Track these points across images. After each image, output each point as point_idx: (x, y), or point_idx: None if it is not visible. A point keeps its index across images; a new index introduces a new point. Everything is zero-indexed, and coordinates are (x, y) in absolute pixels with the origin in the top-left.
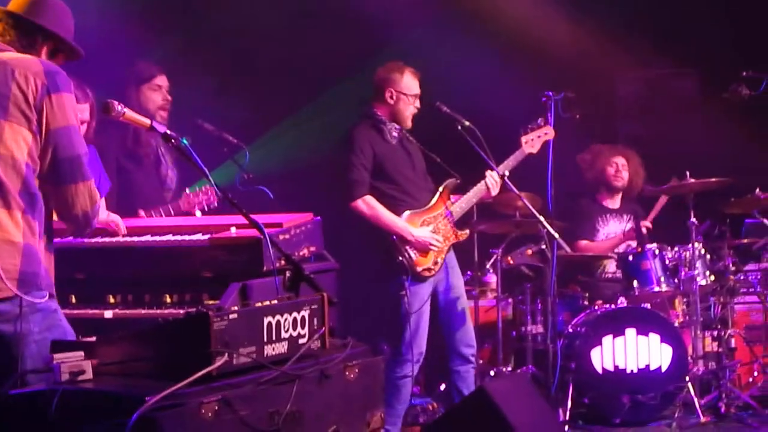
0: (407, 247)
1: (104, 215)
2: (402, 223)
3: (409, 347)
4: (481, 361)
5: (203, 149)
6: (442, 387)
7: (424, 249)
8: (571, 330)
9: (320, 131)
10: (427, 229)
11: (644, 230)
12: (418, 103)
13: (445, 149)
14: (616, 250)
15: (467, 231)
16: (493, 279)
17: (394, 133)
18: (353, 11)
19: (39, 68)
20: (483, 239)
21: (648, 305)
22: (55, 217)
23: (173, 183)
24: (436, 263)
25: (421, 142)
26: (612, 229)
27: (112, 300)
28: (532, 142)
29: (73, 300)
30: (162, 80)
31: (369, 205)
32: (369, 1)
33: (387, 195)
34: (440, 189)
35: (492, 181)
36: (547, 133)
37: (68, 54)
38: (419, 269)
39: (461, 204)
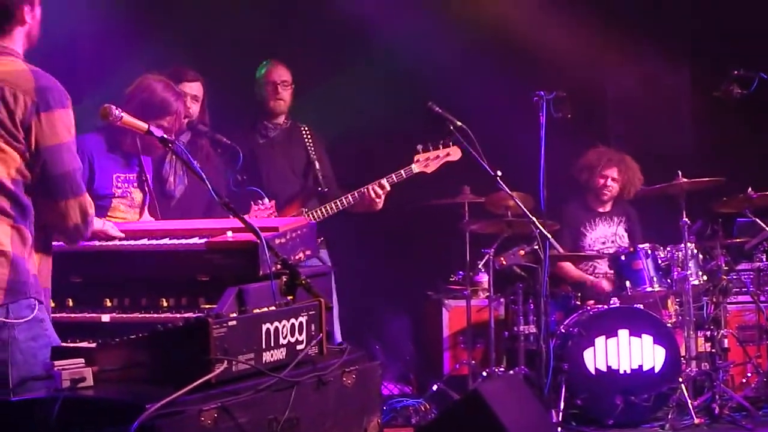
0: None
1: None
2: None
3: None
4: (473, 362)
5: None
6: (434, 387)
7: None
8: (563, 330)
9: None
10: None
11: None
12: (281, 91)
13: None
14: (607, 251)
15: None
16: (485, 279)
17: (263, 131)
18: (340, 11)
19: (30, 85)
20: (475, 239)
21: (641, 305)
22: None
23: (176, 190)
24: None
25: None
26: (600, 233)
27: (108, 303)
28: (426, 161)
29: (70, 303)
30: (188, 87)
31: None
32: (357, 1)
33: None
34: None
35: (373, 192)
36: (450, 154)
37: None
38: None
39: (315, 213)
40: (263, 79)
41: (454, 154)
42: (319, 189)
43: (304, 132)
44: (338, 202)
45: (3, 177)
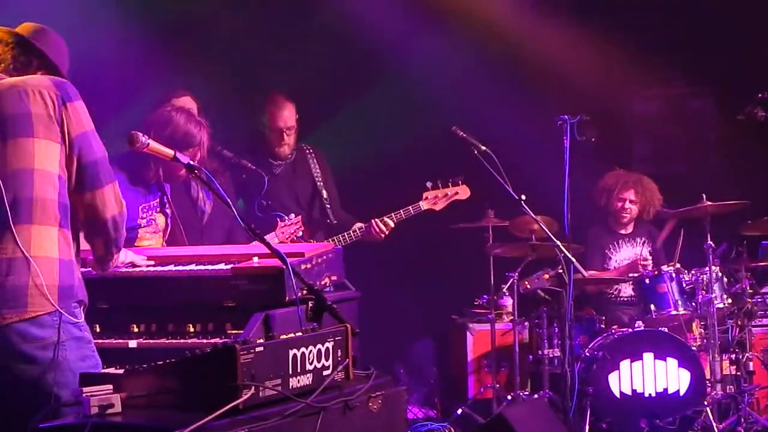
0: None
1: (139, 257)
2: None
3: None
4: (497, 386)
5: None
6: (459, 411)
7: None
8: (588, 354)
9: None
10: None
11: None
12: (287, 137)
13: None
14: (631, 273)
15: None
16: (509, 302)
17: (268, 168)
18: (359, 37)
19: (48, 83)
20: (498, 262)
21: (665, 329)
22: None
23: (206, 206)
24: None
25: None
26: (624, 255)
27: (135, 329)
28: (435, 200)
29: (98, 329)
30: (179, 101)
31: None
32: (378, 25)
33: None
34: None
35: (376, 230)
36: (459, 192)
37: None
38: None
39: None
40: (268, 124)
41: (463, 192)
42: (327, 221)
43: (309, 156)
44: (345, 236)
45: (51, 174)
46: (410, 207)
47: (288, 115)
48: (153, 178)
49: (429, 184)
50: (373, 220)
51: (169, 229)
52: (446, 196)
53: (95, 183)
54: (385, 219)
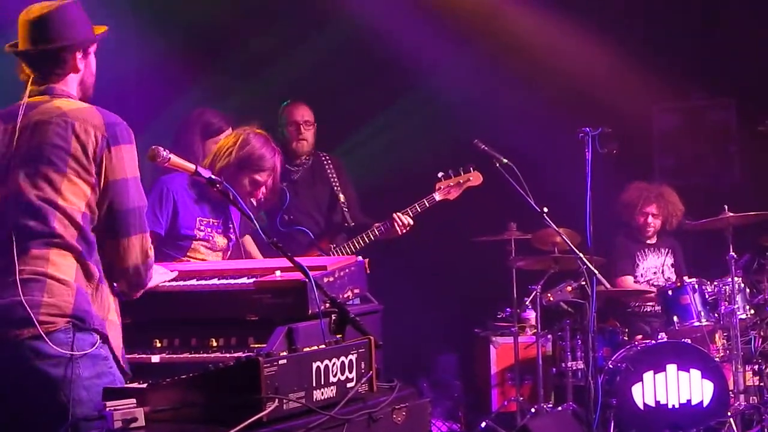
0: None
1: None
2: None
3: None
4: (521, 398)
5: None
6: (483, 424)
7: None
8: (611, 366)
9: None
10: None
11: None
12: (304, 131)
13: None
14: (656, 281)
15: None
16: (532, 315)
17: (286, 175)
18: (384, 49)
19: (99, 121)
20: (521, 275)
21: (688, 340)
22: None
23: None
24: None
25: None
26: (651, 263)
27: (158, 344)
28: (448, 189)
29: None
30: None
31: None
32: (401, 38)
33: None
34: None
35: (399, 223)
36: (471, 179)
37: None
38: None
39: (343, 249)
40: (285, 120)
41: (476, 179)
42: (346, 224)
43: (326, 162)
44: (365, 237)
45: (74, 211)
46: (424, 199)
47: (305, 111)
48: (217, 199)
49: (441, 175)
50: (395, 214)
51: (229, 252)
52: (459, 185)
53: (121, 231)
54: (399, 215)
